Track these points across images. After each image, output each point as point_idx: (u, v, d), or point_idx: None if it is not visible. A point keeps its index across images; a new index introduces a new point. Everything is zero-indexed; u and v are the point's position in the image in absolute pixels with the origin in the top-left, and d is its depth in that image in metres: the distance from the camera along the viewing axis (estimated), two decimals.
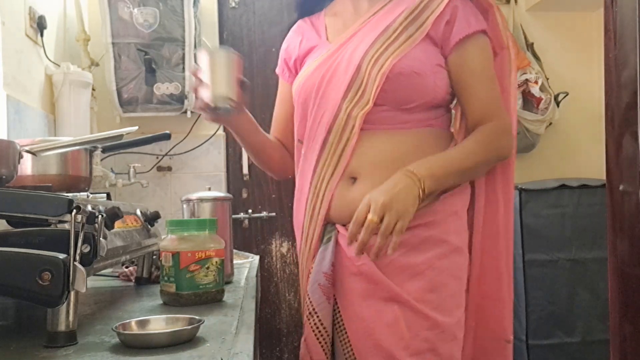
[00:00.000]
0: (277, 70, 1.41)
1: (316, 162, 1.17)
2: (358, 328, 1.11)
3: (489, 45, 1.20)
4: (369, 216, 1.00)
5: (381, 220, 1.00)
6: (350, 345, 1.12)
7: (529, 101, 2.72)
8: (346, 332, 1.13)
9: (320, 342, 1.13)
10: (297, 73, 1.31)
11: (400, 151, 1.13)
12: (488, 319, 1.20)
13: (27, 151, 1.14)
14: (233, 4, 2.79)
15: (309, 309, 1.14)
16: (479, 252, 1.20)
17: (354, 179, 1.14)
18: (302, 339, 1.17)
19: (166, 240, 1.04)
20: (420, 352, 1.08)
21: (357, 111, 1.13)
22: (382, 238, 1.00)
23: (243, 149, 2.74)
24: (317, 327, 1.14)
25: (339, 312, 1.14)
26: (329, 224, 1.17)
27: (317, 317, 1.13)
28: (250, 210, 2.79)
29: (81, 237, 0.72)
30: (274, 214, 2.80)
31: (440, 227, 1.13)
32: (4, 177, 1.00)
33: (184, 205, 1.27)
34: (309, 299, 1.15)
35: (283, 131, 1.39)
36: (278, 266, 2.81)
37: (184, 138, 2.61)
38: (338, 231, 1.15)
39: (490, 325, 1.20)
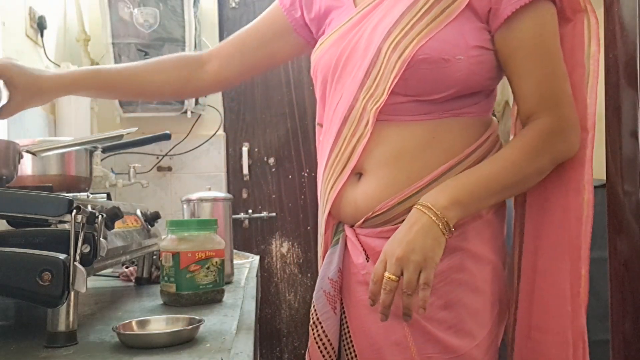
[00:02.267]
0: None
1: (329, 154, 1.04)
2: (365, 344, 0.99)
3: (553, 13, 0.95)
4: (386, 274, 0.86)
5: (401, 275, 0.86)
6: None
7: None
8: (353, 346, 1.01)
9: (323, 355, 1.01)
10: (306, 24, 1.18)
11: (410, 146, 0.97)
12: None
13: (27, 151, 1.14)
14: (233, 4, 2.79)
15: (313, 318, 1.03)
16: (530, 272, 0.99)
17: (359, 175, 1.01)
18: (307, 350, 1.06)
19: (166, 240, 1.04)
20: None
21: (371, 105, 0.97)
22: (407, 297, 0.85)
23: (243, 150, 2.76)
24: (321, 339, 1.02)
25: (347, 323, 1.03)
26: (340, 223, 1.06)
27: (321, 327, 1.01)
28: (250, 210, 2.79)
29: (81, 237, 0.72)
30: (274, 214, 2.80)
31: (455, 232, 0.94)
32: (4, 177, 1.00)
33: (184, 206, 1.27)
34: (314, 306, 1.03)
35: (228, 50, 1.23)
36: (278, 266, 2.81)
37: (184, 138, 2.61)
38: (346, 233, 1.04)
39: None
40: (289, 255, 2.82)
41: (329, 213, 1.06)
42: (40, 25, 2.01)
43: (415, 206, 0.90)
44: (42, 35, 2.04)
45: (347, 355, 1.02)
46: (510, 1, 0.92)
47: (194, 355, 0.68)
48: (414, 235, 0.87)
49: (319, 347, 1.02)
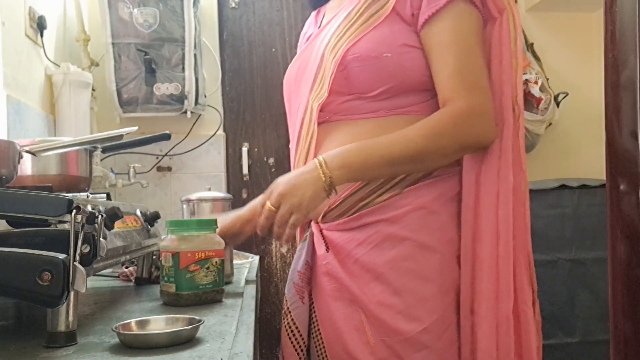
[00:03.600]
0: None
1: (294, 158, 1.16)
2: (330, 331, 1.07)
3: (471, 14, 1.04)
4: (267, 203, 1.01)
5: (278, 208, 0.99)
6: (324, 348, 1.07)
7: (529, 101, 2.72)
8: (321, 334, 1.08)
9: (292, 342, 1.09)
10: None
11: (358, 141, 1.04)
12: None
13: (27, 151, 1.14)
14: (233, 4, 2.79)
15: (284, 308, 1.13)
16: (470, 262, 1.03)
17: None
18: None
19: (166, 240, 1.04)
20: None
21: (315, 103, 1.08)
22: (276, 227, 1.00)
23: (243, 150, 2.76)
24: (290, 327, 1.10)
25: (315, 312, 1.10)
26: (311, 221, 1.16)
27: (291, 316, 1.11)
28: None
29: (81, 237, 0.72)
30: None
31: (401, 223, 1.03)
32: (4, 177, 1.00)
33: (184, 206, 1.27)
34: (286, 297, 1.13)
35: None
36: (278, 266, 2.81)
37: (184, 138, 2.61)
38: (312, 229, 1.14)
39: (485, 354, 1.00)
40: (288, 256, 2.82)
41: None
42: (40, 25, 2.01)
43: (316, 158, 1.00)
44: (41, 35, 2.04)
45: (315, 342, 1.09)
46: (428, 6, 1.02)
47: (194, 355, 0.68)
48: (301, 182, 0.99)
49: (288, 335, 1.10)
